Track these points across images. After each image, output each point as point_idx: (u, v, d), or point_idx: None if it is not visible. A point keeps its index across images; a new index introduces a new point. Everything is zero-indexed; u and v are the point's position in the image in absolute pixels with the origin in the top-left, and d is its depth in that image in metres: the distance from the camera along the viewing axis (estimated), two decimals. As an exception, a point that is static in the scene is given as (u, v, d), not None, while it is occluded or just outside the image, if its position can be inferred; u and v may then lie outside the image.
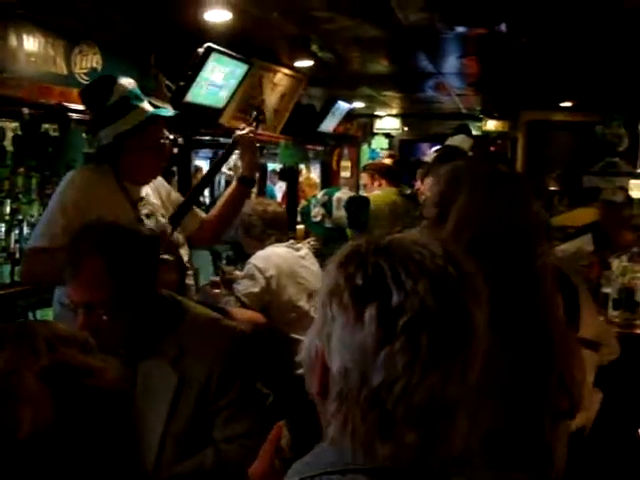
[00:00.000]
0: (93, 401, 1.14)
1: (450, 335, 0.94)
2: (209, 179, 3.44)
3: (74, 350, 1.17)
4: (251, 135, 3.36)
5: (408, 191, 6.19)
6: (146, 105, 2.95)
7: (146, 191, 3.06)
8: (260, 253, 3.79)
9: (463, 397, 0.97)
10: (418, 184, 4.10)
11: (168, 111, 3.11)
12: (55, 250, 2.58)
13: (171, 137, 3.14)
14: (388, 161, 8.60)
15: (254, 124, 3.46)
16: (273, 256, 3.76)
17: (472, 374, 0.97)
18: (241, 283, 3.73)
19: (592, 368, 1.98)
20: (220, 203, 3.39)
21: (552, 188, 8.60)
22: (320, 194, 4.89)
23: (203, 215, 3.40)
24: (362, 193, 6.20)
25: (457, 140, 5.25)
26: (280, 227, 3.94)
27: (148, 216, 2.98)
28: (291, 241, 3.97)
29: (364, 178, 6.41)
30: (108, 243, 1.97)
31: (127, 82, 2.93)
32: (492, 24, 4.18)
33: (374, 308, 0.93)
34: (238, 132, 3.35)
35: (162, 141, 3.00)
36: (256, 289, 3.63)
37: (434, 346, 0.92)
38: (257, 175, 3.68)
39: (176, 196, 3.29)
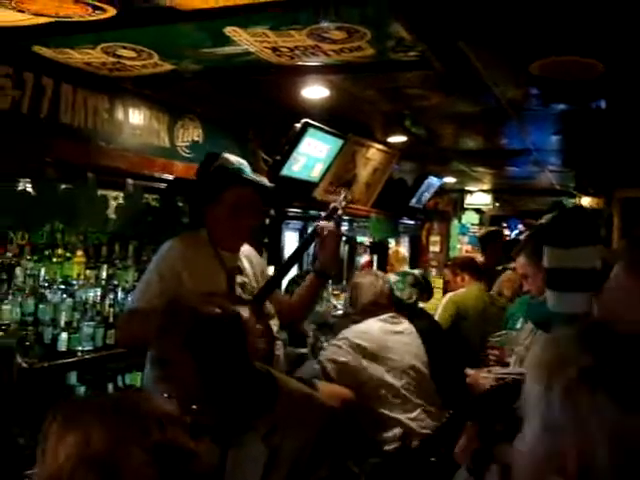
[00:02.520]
0: None
1: None
2: (293, 262, 3.39)
3: (180, 432, 1.17)
4: (332, 229, 3.22)
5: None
6: (248, 176, 2.99)
7: (243, 263, 3.07)
8: (355, 326, 3.77)
9: None
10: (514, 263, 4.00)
11: (256, 177, 3.08)
12: (151, 312, 2.59)
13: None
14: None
15: (343, 203, 3.35)
16: (367, 330, 3.72)
17: None
18: (328, 349, 3.71)
19: None
20: (298, 293, 3.36)
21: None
22: (399, 276, 4.75)
23: (283, 299, 3.37)
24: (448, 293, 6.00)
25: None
26: (382, 302, 3.90)
27: (242, 286, 2.99)
28: (391, 314, 3.87)
29: (446, 275, 6.24)
30: (196, 338, 1.93)
31: (233, 158, 3.01)
32: (591, 101, 4.13)
33: None
34: (320, 223, 3.25)
35: (247, 207, 2.98)
36: (339, 358, 3.58)
37: None
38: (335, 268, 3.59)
39: (268, 274, 3.31)
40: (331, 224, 3.24)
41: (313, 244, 3.38)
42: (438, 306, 5.58)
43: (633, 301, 1.40)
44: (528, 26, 2.96)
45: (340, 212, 3.34)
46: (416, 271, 4.98)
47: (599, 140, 5.84)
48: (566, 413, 0.87)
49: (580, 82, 3.67)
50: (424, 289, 4.64)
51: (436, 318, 5.25)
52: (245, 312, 2.78)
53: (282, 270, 3.37)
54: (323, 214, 3.33)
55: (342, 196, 3.42)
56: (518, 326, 3.82)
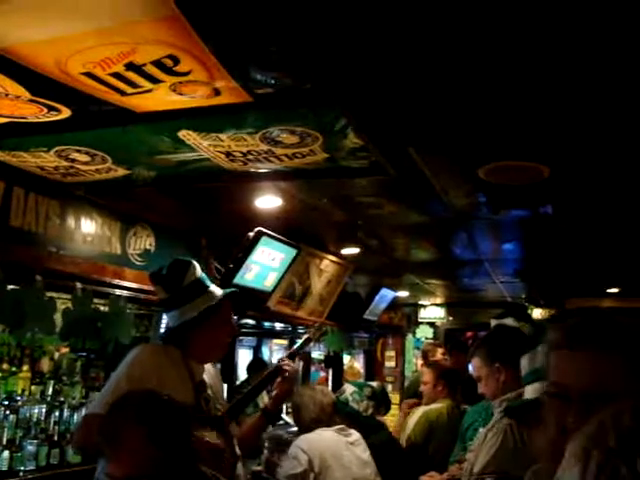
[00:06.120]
0: None
1: None
2: (255, 394, 3.42)
3: None
4: (293, 369, 3.39)
5: None
6: (214, 286, 3.03)
7: (205, 374, 3.04)
8: (305, 435, 3.76)
9: None
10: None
11: (234, 289, 3.18)
12: None
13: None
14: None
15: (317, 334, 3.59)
16: (319, 439, 3.72)
17: None
18: (283, 466, 3.70)
19: None
20: (242, 429, 3.32)
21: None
22: (357, 387, 4.67)
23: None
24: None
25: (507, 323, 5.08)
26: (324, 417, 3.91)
27: (207, 400, 2.94)
28: (341, 426, 3.89)
29: (426, 375, 5.92)
30: (147, 411, 1.93)
31: (198, 265, 3.02)
32: (538, 206, 4.24)
33: None
34: (285, 362, 3.37)
35: (232, 320, 3.09)
36: (298, 470, 3.57)
37: None
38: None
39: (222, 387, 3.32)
40: (294, 365, 3.38)
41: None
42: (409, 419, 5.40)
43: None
44: (474, 132, 3.06)
45: (312, 343, 3.44)
46: (374, 383, 4.90)
47: (547, 249, 5.97)
48: None
49: (527, 187, 3.78)
50: (381, 402, 4.56)
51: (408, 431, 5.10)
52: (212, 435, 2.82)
53: (245, 400, 3.36)
54: (287, 353, 3.50)
55: (316, 328, 3.54)
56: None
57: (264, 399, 4.65)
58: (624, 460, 0.75)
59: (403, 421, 5.53)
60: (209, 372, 3.10)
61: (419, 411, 5.39)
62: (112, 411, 2.03)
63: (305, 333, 3.58)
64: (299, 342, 3.61)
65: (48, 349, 4.53)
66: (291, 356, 3.47)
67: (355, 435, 3.88)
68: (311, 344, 3.58)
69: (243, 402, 3.33)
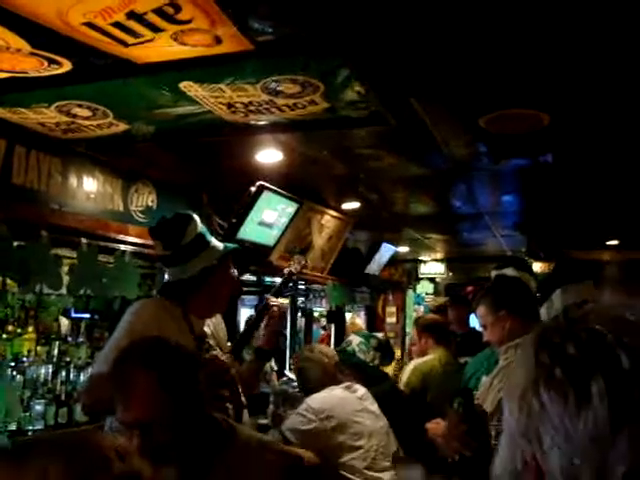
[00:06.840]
0: None
1: None
2: (249, 334, 3.44)
3: (140, 460, 1.13)
4: (281, 307, 3.37)
5: None
6: (215, 240, 2.99)
7: (207, 327, 3.04)
8: (317, 395, 3.71)
9: None
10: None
11: (236, 245, 3.14)
12: None
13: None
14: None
15: (298, 267, 3.52)
16: (330, 397, 3.68)
17: None
18: (290, 418, 3.64)
19: None
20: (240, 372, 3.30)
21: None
22: (363, 338, 4.73)
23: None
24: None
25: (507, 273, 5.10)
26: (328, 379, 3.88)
27: (208, 351, 2.93)
28: (348, 383, 3.86)
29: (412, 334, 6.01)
30: (156, 356, 1.95)
31: (199, 220, 2.97)
32: (538, 155, 4.24)
33: (601, 380, 0.74)
34: (271, 300, 3.35)
35: (234, 275, 3.06)
36: (303, 427, 3.52)
37: None
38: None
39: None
40: (280, 300, 3.35)
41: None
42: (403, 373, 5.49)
43: None
44: (475, 81, 3.05)
45: (295, 277, 3.39)
46: (379, 334, 4.97)
47: (547, 201, 5.97)
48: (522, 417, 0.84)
49: (527, 135, 3.77)
50: (386, 353, 4.62)
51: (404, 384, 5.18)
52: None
53: (240, 342, 3.38)
54: (276, 283, 3.45)
55: (297, 261, 3.50)
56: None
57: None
58: (536, 397, 0.79)
59: (398, 374, 5.61)
60: (211, 319, 3.10)
61: (410, 366, 5.46)
62: (122, 358, 2.04)
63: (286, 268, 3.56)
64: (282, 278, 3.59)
65: (52, 310, 4.57)
66: (276, 293, 3.45)
67: (362, 390, 3.86)
68: (294, 277, 3.54)
69: (238, 345, 3.32)
